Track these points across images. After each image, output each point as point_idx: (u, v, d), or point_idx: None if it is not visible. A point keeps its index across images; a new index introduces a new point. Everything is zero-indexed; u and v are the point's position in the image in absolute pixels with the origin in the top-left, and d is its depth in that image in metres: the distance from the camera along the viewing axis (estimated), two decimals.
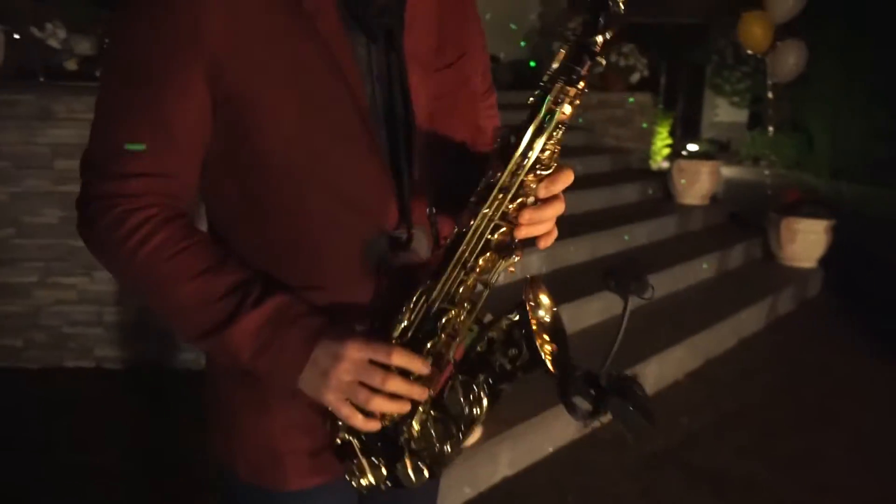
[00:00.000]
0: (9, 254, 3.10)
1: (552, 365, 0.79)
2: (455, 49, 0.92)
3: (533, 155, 0.76)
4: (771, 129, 6.47)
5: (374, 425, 0.80)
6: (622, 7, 0.72)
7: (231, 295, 0.79)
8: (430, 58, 0.88)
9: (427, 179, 0.89)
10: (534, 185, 0.78)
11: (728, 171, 8.71)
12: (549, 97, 0.74)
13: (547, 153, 0.77)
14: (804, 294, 4.65)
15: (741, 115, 11.14)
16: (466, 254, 0.80)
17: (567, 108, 0.74)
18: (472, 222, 0.79)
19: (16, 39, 3.40)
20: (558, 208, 0.81)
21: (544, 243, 0.83)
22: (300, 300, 0.81)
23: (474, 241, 0.79)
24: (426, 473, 0.83)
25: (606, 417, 0.76)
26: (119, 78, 0.79)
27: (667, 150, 7.16)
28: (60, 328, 3.20)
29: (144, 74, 0.77)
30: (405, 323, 0.82)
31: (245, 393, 0.88)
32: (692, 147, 6.22)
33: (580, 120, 5.49)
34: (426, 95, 0.88)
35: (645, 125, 6.25)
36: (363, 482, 0.85)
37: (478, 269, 0.81)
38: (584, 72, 0.73)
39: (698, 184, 5.17)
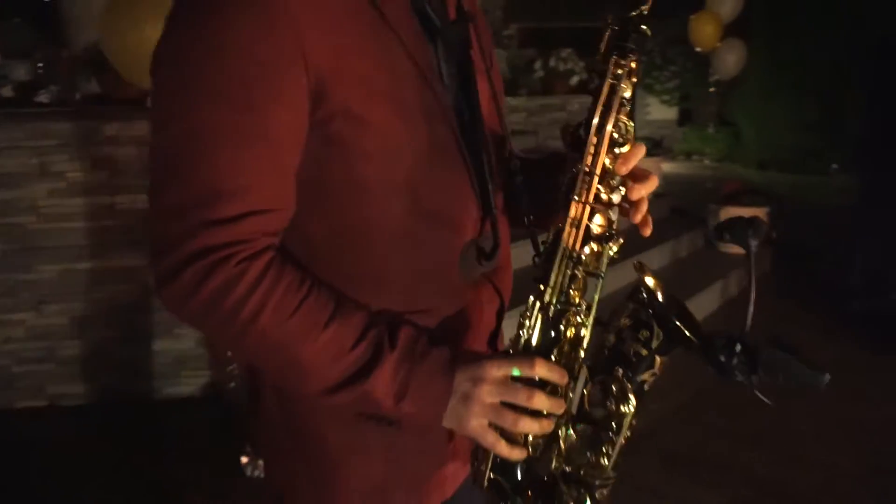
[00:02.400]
0: None
1: (693, 334, 0.76)
2: (489, 55, 0.92)
3: (606, 133, 0.76)
4: (710, 125, 6.77)
5: (520, 453, 0.75)
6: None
7: (364, 342, 0.72)
8: (480, 63, 0.87)
9: (511, 188, 0.88)
10: (613, 165, 0.78)
11: (665, 167, 9.04)
12: (607, 75, 0.75)
13: (618, 131, 0.77)
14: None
15: (671, 113, 11.60)
16: (570, 247, 0.77)
17: (625, 84, 0.75)
18: (567, 214, 0.77)
19: None
20: (653, 183, 0.79)
21: (648, 229, 0.81)
22: (419, 331, 0.76)
23: (574, 231, 0.77)
24: (586, 500, 0.79)
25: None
26: (209, 100, 0.66)
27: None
28: (10, 367, 3.05)
29: (246, 95, 0.66)
30: (525, 335, 0.78)
31: (353, 435, 0.80)
32: None
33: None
34: (485, 101, 0.86)
35: None
36: None
37: (584, 261, 0.78)
38: (632, 45, 0.74)
39: None
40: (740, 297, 4.57)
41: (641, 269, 0.79)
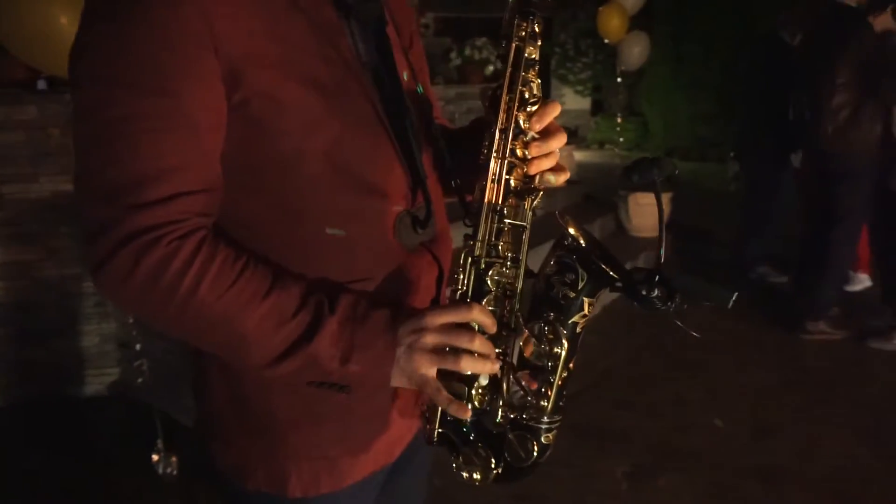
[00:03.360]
0: None
1: (614, 272, 0.79)
2: (406, 29, 0.95)
3: (516, 91, 0.80)
4: (619, 115, 7.04)
5: (465, 411, 0.77)
6: None
7: (304, 308, 0.74)
8: (398, 39, 0.90)
9: (429, 154, 0.91)
10: (527, 123, 0.82)
11: (578, 156, 9.35)
12: (512, 37, 0.81)
13: (529, 90, 0.81)
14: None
15: (585, 103, 11.99)
16: (493, 201, 0.81)
17: (531, 45, 0.81)
18: (487, 170, 0.81)
19: None
20: (560, 139, 0.83)
21: (557, 179, 0.84)
22: (360, 296, 0.78)
23: (495, 186, 0.81)
24: (534, 446, 0.82)
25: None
26: (125, 89, 0.69)
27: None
28: None
29: (159, 80, 0.69)
30: (461, 287, 0.81)
31: (301, 406, 0.83)
32: None
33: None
34: (408, 74, 0.89)
35: None
36: (475, 476, 0.84)
37: (507, 213, 0.82)
38: (533, 8, 0.80)
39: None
40: None
41: (563, 218, 0.83)
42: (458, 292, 0.82)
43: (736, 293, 0.80)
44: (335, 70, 0.78)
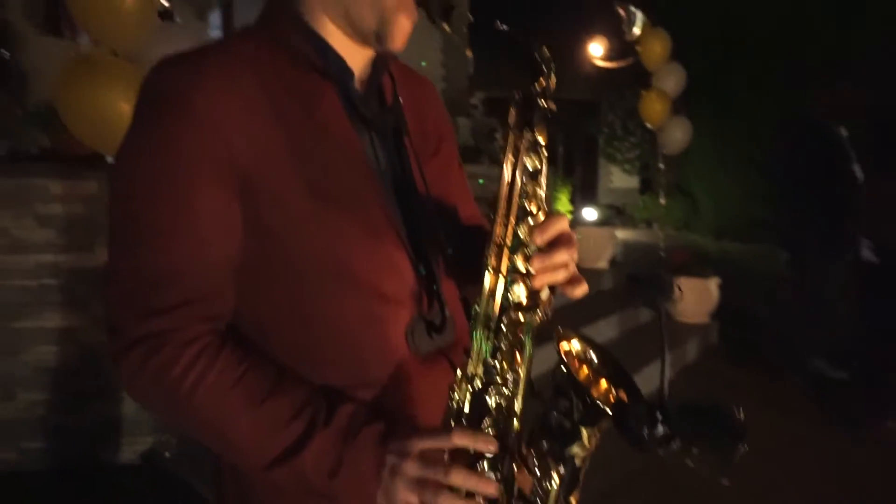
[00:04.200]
0: None
1: (605, 404, 0.74)
2: (435, 136, 0.97)
3: (513, 204, 0.78)
4: (662, 197, 7.00)
5: None
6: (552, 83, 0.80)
7: (298, 419, 0.75)
8: (422, 147, 0.93)
9: (449, 262, 0.91)
10: (530, 237, 0.78)
11: (625, 234, 9.27)
12: (508, 149, 0.79)
13: (530, 202, 0.79)
14: (704, 345, 4.96)
15: (633, 182, 11.99)
16: (487, 317, 0.77)
17: (530, 156, 0.78)
18: (483, 284, 0.77)
19: None
20: (565, 252, 0.78)
21: (572, 291, 0.80)
22: (358, 404, 0.78)
23: (490, 301, 0.77)
24: None
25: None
26: (143, 201, 0.75)
27: (569, 216, 7.57)
28: None
29: (174, 194, 0.74)
30: (455, 406, 0.77)
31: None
32: (590, 213, 6.61)
33: (480, 181, 5.76)
34: (427, 184, 0.90)
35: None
36: None
37: (504, 330, 0.77)
38: (532, 120, 0.79)
39: (597, 249, 5.51)
40: (698, 363, 4.63)
41: (560, 336, 0.79)
42: (454, 411, 0.78)
43: (745, 446, 0.74)
44: (350, 180, 0.81)
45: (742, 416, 0.74)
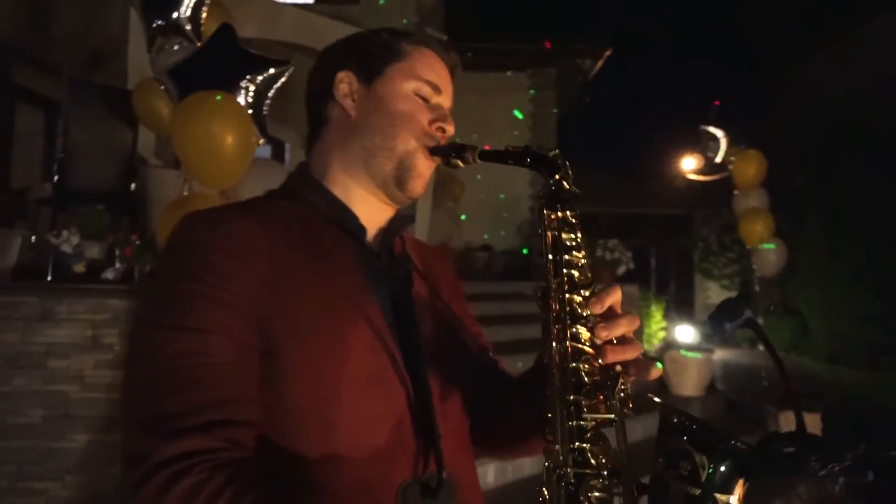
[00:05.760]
0: None
1: (744, 444, 0.64)
2: (445, 292, 1.00)
3: (561, 274, 0.76)
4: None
5: None
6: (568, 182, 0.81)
7: None
8: (430, 301, 0.95)
9: (452, 423, 0.90)
10: (585, 308, 0.75)
11: (726, 355, 8.70)
12: (546, 227, 0.80)
13: (576, 271, 0.77)
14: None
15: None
16: (566, 400, 0.72)
17: (565, 232, 0.78)
18: (553, 364, 0.73)
19: (32, 242, 3.62)
20: (628, 322, 0.76)
21: (639, 373, 0.76)
22: None
23: (564, 379, 0.72)
24: None
25: None
26: (170, 331, 0.76)
27: (662, 333, 7.23)
28: None
29: (215, 329, 0.76)
30: None
31: None
32: (685, 332, 6.24)
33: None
34: (433, 336, 0.91)
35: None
36: None
37: (585, 411, 0.71)
38: (560, 198, 0.79)
39: (692, 375, 5.17)
40: None
41: (660, 398, 0.73)
42: None
43: None
44: (362, 332, 0.82)
45: None
